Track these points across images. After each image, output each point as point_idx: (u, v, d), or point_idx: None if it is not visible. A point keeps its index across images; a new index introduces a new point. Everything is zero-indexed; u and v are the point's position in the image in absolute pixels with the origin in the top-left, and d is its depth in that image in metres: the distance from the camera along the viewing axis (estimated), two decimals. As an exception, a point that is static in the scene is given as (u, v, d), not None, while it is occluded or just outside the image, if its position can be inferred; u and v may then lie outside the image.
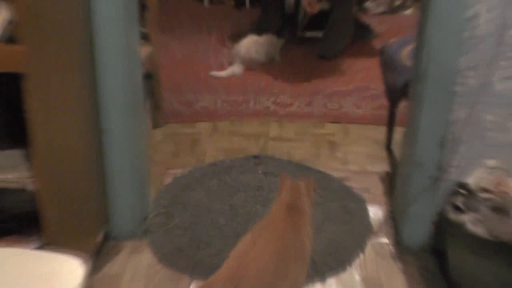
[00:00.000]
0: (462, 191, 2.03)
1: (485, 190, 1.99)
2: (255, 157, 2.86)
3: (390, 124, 2.92)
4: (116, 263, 2.18)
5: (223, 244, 2.27)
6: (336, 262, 2.20)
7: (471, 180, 2.03)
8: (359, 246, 2.29)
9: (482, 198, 1.97)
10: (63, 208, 1.77)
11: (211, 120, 3.22)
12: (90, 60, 2.00)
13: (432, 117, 2.08)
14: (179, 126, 3.15)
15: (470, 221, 1.93)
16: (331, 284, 2.11)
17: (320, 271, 2.15)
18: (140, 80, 2.27)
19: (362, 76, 3.72)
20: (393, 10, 4.85)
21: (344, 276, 2.15)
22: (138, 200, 2.29)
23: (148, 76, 2.87)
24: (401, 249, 2.27)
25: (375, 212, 2.49)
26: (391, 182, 2.60)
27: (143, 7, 2.72)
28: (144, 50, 2.71)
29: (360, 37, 4.21)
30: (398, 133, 2.82)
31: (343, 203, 2.53)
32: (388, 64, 2.76)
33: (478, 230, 1.91)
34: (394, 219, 2.42)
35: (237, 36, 4.06)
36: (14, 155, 1.68)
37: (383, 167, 2.82)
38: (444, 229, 2.10)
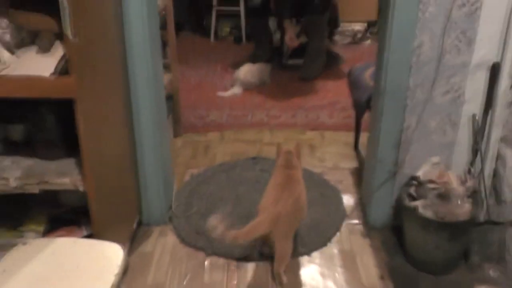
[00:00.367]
0: (413, 182, 2.03)
1: (431, 181, 1.98)
2: (253, 158, 2.83)
3: (357, 130, 2.90)
4: (148, 244, 2.17)
5: (231, 226, 2.25)
6: (318, 238, 2.19)
7: (420, 173, 2.03)
8: (336, 226, 2.27)
9: (429, 187, 1.96)
10: (106, 203, 1.76)
11: (219, 130, 3.19)
12: (126, 86, 1.99)
13: (389, 124, 2.07)
14: (194, 135, 3.13)
15: (420, 206, 1.92)
16: (315, 257, 2.10)
17: (307, 246, 2.14)
18: (164, 100, 2.26)
19: (333, 93, 3.69)
20: (355, 41, 4.84)
21: (325, 250, 2.14)
22: (164, 193, 2.27)
23: (170, 97, 2.85)
24: (368, 227, 2.26)
25: (347, 199, 2.47)
26: (359, 175, 2.59)
27: (164, 43, 2.70)
28: (166, 77, 2.70)
29: (331, 63, 4.20)
30: (363, 137, 2.82)
31: (322, 192, 2.51)
32: (354, 84, 2.75)
33: (427, 212, 1.91)
34: (362, 204, 2.40)
35: (237, 65, 4.04)
36: (69, 163, 1.67)
37: (352, 163, 2.80)
38: (401, 212, 2.09)
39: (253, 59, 4.00)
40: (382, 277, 1.99)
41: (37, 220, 1.78)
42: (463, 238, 1.95)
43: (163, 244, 2.17)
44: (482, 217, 2.02)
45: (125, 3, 1.87)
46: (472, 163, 2.07)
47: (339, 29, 4.73)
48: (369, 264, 2.05)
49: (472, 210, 1.92)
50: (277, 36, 4.31)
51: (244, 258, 2.07)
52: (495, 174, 2.05)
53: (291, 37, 3.92)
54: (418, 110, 2.02)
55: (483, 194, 2.02)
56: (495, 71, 1.92)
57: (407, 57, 1.94)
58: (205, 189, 2.54)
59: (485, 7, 1.84)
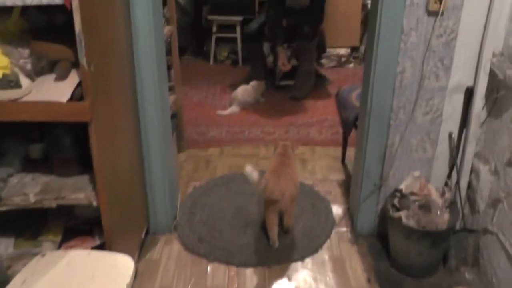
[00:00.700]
0: (397, 194, 2.02)
1: (413, 193, 1.98)
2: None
3: (344, 145, 2.89)
4: (155, 252, 2.14)
5: (231, 232, 2.24)
6: (310, 245, 2.17)
7: (403, 186, 2.02)
8: (326, 234, 2.25)
9: (411, 199, 1.96)
10: (117, 215, 1.73)
11: (219, 145, 3.17)
12: (135, 107, 1.98)
13: (374, 142, 2.07)
14: (196, 151, 3.10)
15: (404, 216, 1.91)
16: (308, 263, 2.08)
17: (300, 253, 2.12)
18: (169, 118, 2.24)
19: (321, 112, 3.69)
20: (340, 64, 4.85)
21: (317, 256, 2.12)
22: (170, 204, 2.24)
23: (174, 116, 2.83)
24: (356, 235, 2.25)
25: (336, 209, 2.46)
26: (347, 187, 2.57)
27: (169, 67, 2.69)
28: (171, 97, 2.68)
29: (319, 84, 4.21)
30: (350, 151, 2.82)
31: (313, 202, 2.49)
32: (342, 104, 2.75)
33: (409, 222, 1.90)
34: (350, 214, 2.39)
35: (234, 86, 4.03)
36: (84, 179, 1.65)
37: (340, 176, 2.78)
38: (386, 221, 2.08)
39: (248, 81, 3.99)
40: (369, 280, 1.97)
41: (54, 231, 1.75)
42: (442, 245, 1.94)
43: (169, 251, 2.14)
44: (458, 225, 2.02)
45: (135, 34, 1.87)
46: (449, 176, 2.07)
47: (326, 53, 4.75)
48: (357, 269, 2.03)
49: (450, 219, 1.92)
50: (270, 59, 4.32)
51: (243, 264, 2.05)
52: (470, 186, 2.05)
53: (284, 62, 3.94)
54: (401, 129, 2.02)
55: (459, 205, 2.02)
56: (469, 94, 1.93)
57: (391, 81, 1.94)
58: (207, 200, 2.51)
59: (460, 37, 1.86)
